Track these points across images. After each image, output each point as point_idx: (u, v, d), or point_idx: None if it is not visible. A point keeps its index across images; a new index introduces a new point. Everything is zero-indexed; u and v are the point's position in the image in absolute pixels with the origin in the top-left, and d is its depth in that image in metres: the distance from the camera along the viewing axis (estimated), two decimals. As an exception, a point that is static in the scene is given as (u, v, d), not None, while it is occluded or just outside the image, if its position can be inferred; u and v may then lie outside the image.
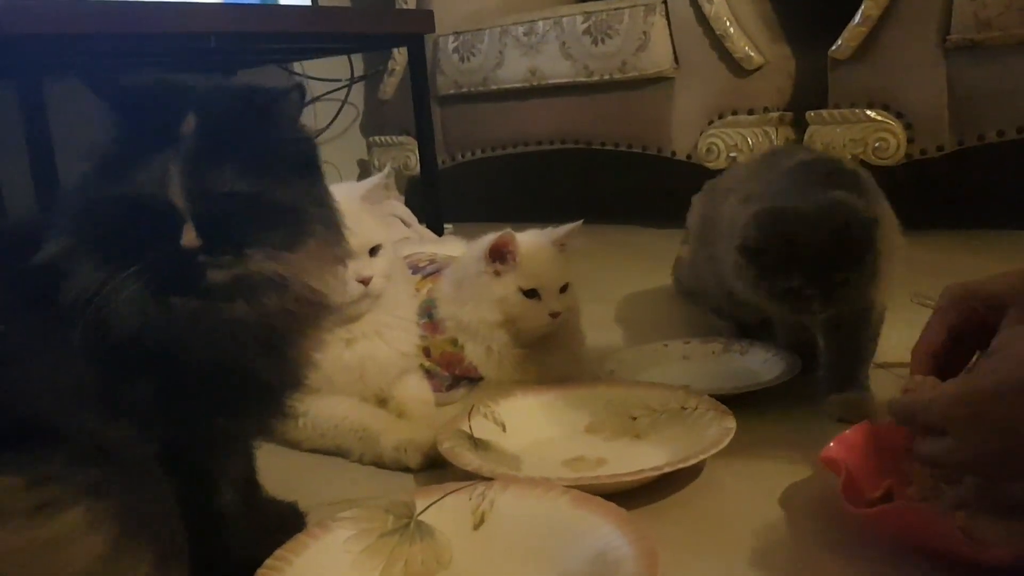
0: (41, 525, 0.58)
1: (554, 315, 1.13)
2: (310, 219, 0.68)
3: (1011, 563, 0.65)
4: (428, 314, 1.18)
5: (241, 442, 0.75)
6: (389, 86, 2.70)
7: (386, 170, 1.17)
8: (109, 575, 0.61)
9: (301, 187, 0.67)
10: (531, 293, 1.13)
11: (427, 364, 1.18)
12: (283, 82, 2.48)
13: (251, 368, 0.67)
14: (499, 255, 1.13)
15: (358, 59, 2.75)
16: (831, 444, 0.81)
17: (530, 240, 1.16)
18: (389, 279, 1.07)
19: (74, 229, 0.64)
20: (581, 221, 1.20)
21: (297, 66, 2.54)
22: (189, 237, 0.61)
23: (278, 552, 0.72)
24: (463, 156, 2.67)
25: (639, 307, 1.72)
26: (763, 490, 0.86)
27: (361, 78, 2.71)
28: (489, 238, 1.14)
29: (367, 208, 1.07)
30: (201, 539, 0.68)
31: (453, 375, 1.18)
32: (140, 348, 0.63)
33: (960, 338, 0.78)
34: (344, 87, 2.63)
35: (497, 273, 1.14)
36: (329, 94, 2.64)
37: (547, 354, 1.17)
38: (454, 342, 1.16)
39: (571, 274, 1.18)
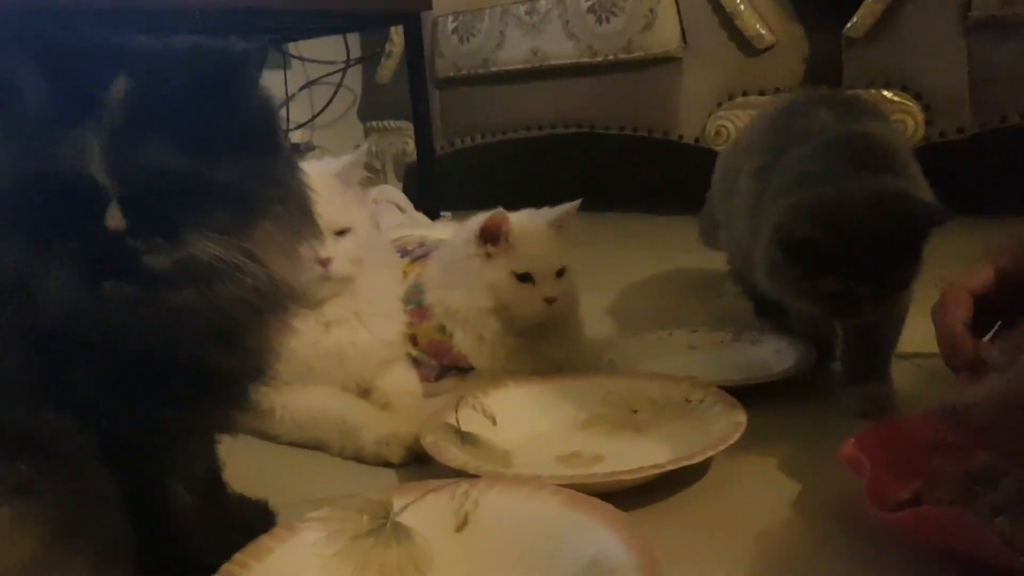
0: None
1: (549, 301, 1.06)
2: (263, 199, 0.60)
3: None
4: (415, 300, 1.11)
5: (198, 436, 0.68)
6: (386, 69, 2.65)
7: (363, 148, 1.09)
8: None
9: (253, 164, 0.59)
10: (525, 277, 1.06)
11: (414, 353, 1.11)
12: (271, 59, 2.42)
13: (204, 359, 0.60)
14: (491, 236, 1.06)
15: (356, 42, 2.68)
16: (852, 441, 0.74)
17: (524, 221, 1.09)
18: (359, 263, 0.99)
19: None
20: (579, 201, 1.12)
21: (293, 48, 2.47)
22: (114, 218, 0.54)
23: (237, 556, 0.65)
24: (462, 142, 2.61)
25: (644, 296, 1.66)
26: (776, 490, 0.79)
27: (357, 60, 2.64)
28: (480, 218, 1.06)
29: (340, 188, 0.99)
30: (151, 541, 0.62)
31: (442, 364, 1.10)
32: (73, 335, 0.56)
33: (1008, 286, 0.71)
34: (339, 70, 2.56)
35: (488, 256, 1.06)
36: (325, 77, 2.58)
37: (542, 343, 1.10)
38: (442, 329, 1.09)
39: (569, 257, 1.10)
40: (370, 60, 2.69)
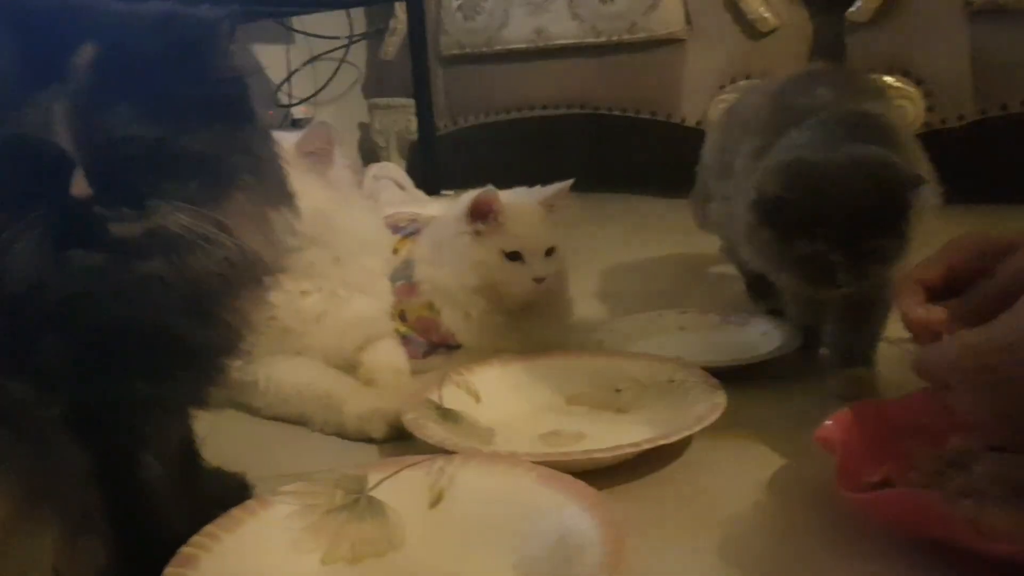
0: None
1: (539, 280, 1.06)
2: (234, 169, 0.60)
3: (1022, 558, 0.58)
4: (404, 276, 1.11)
5: (171, 409, 0.68)
6: (391, 45, 2.64)
7: (322, 119, 1.08)
8: (5, 550, 0.56)
9: (223, 133, 0.59)
10: (514, 256, 1.05)
11: (403, 329, 1.11)
12: (274, 33, 2.42)
13: (174, 330, 0.60)
14: (480, 214, 1.06)
15: (360, 17, 2.67)
16: (827, 422, 0.74)
17: (515, 199, 1.09)
18: (299, 236, 0.98)
19: None
20: (571, 181, 1.12)
21: (296, 22, 2.46)
22: (79, 186, 0.53)
23: (207, 528, 0.65)
24: (465, 120, 2.61)
25: (640, 277, 1.67)
26: (752, 472, 0.80)
27: (361, 36, 2.63)
28: (470, 195, 1.06)
29: (297, 160, 0.98)
30: (121, 513, 0.63)
31: (430, 342, 1.11)
32: (39, 304, 0.56)
33: (959, 280, 0.71)
34: (343, 46, 2.56)
35: (478, 233, 1.06)
36: (329, 53, 2.57)
37: (530, 322, 1.09)
38: (430, 306, 1.09)
39: (559, 237, 1.10)
40: (375, 36, 2.68)
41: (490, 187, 1.06)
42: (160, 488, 0.65)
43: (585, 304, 1.35)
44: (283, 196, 0.65)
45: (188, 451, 0.72)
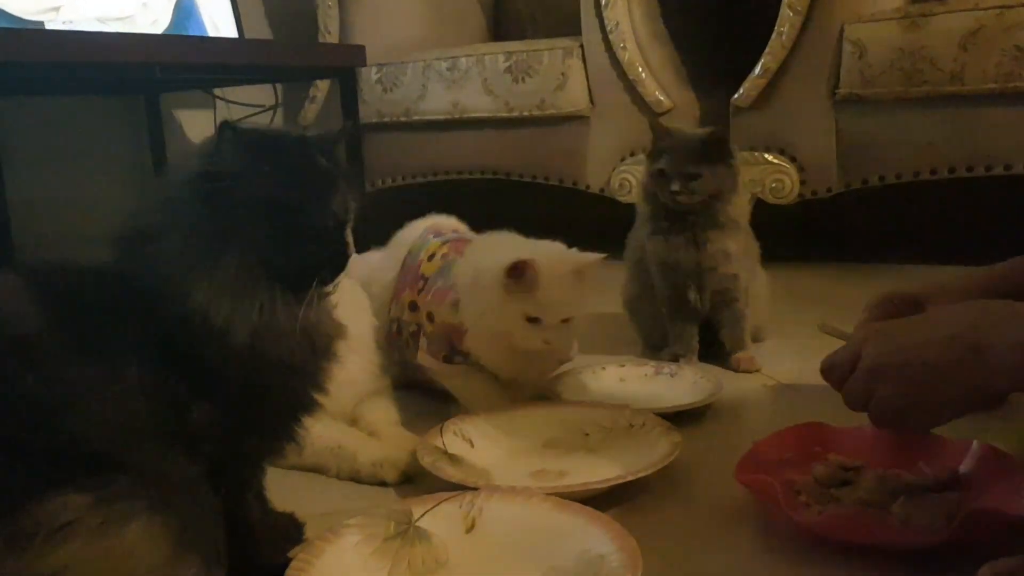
0: (108, 536, 0.66)
1: (547, 343, 1.17)
2: None
3: (940, 543, 0.77)
4: (443, 279, 1.25)
5: (268, 458, 0.83)
6: (310, 112, 2.74)
7: None
8: (165, 576, 0.70)
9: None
10: (533, 319, 1.15)
11: (429, 329, 1.26)
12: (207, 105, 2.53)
13: (302, 393, 0.77)
14: (517, 273, 1.15)
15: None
16: (738, 471, 0.91)
17: (550, 263, 1.16)
18: None
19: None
20: (604, 255, 1.22)
21: (219, 91, 2.58)
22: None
23: (301, 555, 0.80)
24: (383, 183, 2.73)
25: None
26: (704, 492, 1.00)
27: (279, 105, 2.76)
28: (511, 256, 1.15)
29: None
30: (235, 546, 0.77)
31: (451, 346, 1.23)
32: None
33: None
34: (267, 111, 2.68)
35: (507, 290, 1.15)
36: (251, 117, 2.68)
37: (530, 364, 1.23)
38: (456, 314, 1.21)
39: (579, 307, 1.20)
40: (294, 103, 2.81)
41: (534, 259, 1.15)
42: (257, 523, 0.81)
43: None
44: None
45: (261, 495, 0.86)
